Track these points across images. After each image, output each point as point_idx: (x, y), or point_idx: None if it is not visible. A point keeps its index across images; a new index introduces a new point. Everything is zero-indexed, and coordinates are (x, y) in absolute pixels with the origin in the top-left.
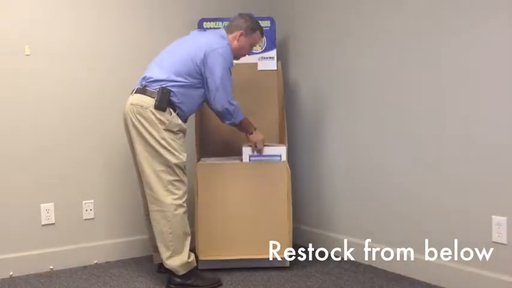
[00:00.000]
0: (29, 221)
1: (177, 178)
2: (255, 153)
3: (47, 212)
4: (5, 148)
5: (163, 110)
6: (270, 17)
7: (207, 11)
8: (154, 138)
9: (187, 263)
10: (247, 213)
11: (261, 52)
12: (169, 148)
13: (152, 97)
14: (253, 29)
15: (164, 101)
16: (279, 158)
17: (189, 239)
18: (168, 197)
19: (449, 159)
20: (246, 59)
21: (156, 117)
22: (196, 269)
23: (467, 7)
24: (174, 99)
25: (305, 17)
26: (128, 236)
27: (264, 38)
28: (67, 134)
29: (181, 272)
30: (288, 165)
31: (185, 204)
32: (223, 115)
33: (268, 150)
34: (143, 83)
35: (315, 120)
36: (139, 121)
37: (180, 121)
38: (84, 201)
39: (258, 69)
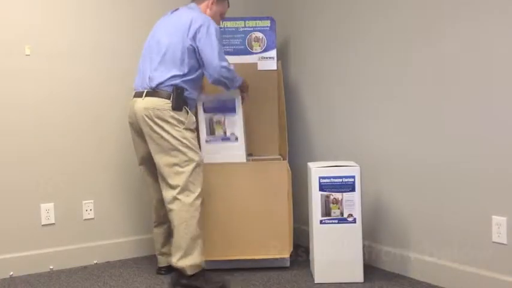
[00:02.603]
0: (29, 221)
1: (198, 178)
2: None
3: (47, 212)
4: (5, 148)
5: (181, 110)
6: (270, 17)
7: None
8: (177, 139)
9: (197, 265)
10: (248, 214)
11: (261, 52)
12: (192, 146)
13: (167, 98)
14: None
15: (180, 100)
16: (352, 179)
17: (200, 241)
18: (188, 198)
19: (448, 158)
20: (246, 59)
21: (175, 118)
22: (204, 271)
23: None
24: (186, 94)
25: (305, 16)
26: (128, 236)
27: (264, 38)
28: (67, 134)
29: (190, 272)
30: (288, 165)
31: (201, 206)
32: (227, 82)
33: (339, 171)
34: (152, 85)
35: (316, 119)
36: (158, 124)
37: (194, 118)
38: (84, 201)
39: (258, 69)
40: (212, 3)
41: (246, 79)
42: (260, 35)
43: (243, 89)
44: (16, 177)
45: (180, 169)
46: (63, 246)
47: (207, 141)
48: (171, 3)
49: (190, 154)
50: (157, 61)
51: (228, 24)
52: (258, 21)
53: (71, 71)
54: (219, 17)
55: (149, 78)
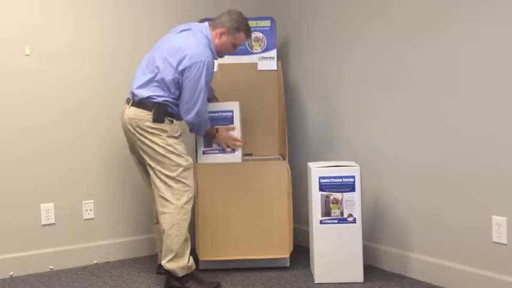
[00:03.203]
0: (29, 221)
1: (187, 182)
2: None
3: (47, 212)
4: (5, 148)
5: (162, 122)
6: (270, 17)
7: (208, 10)
8: (161, 146)
9: (187, 266)
10: (248, 214)
11: (261, 52)
12: (177, 152)
13: (149, 111)
14: (237, 29)
15: (161, 113)
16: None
17: (189, 243)
18: (179, 201)
19: (448, 158)
20: (246, 59)
21: (156, 128)
22: (196, 271)
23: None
24: (169, 109)
25: (305, 16)
26: (128, 236)
27: (265, 38)
28: (67, 134)
29: (180, 274)
30: (288, 165)
31: (190, 210)
32: (193, 126)
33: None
34: (135, 99)
35: (316, 120)
36: (141, 134)
37: (178, 126)
38: (84, 201)
39: (258, 69)
40: (222, 34)
41: (224, 132)
42: (260, 35)
43: (221, 138)
44: (16, 177)
45: (169, 173)
46: (63, 246)
47: (204, 152)
48: (171, 3)
49: (176, 159)
50: (146, 79)
51: None
52: (258, 21)
53: (71, 71)
54: (231, 47)
55: (132, 93)
